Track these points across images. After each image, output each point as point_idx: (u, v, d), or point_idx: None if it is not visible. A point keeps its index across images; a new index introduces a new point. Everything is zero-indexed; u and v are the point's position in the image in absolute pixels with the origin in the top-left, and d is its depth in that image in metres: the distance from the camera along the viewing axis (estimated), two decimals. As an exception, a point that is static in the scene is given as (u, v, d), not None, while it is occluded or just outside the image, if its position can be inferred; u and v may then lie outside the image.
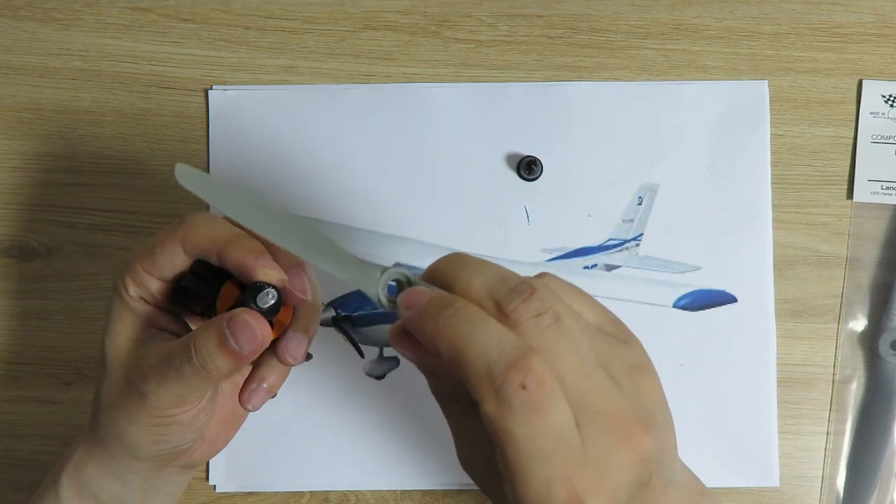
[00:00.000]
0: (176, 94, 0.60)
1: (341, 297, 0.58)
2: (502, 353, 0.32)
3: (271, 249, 0.41)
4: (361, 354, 0.58)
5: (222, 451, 0.58)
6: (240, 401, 0.45)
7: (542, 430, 0.32)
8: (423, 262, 0.58)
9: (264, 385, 0.44)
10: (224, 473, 0.58)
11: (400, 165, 0.59)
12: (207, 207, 0.58)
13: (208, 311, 0.43)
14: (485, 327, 0.33)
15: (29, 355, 0.59)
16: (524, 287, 0.34)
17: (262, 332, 0.39)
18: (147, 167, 0.59)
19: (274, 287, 0.40)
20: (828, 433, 0.58)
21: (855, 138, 0.59)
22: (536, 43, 0.60)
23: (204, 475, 0.58)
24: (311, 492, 0.58)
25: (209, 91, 0.59)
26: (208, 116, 0.59)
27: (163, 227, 0.43)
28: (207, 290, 0.42)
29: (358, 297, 0.58)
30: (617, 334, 0.37)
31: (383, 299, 0.37)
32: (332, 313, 0.58)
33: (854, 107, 0.60)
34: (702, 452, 0.58)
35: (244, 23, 0.60)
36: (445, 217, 0.59)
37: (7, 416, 0.59)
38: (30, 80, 0.60)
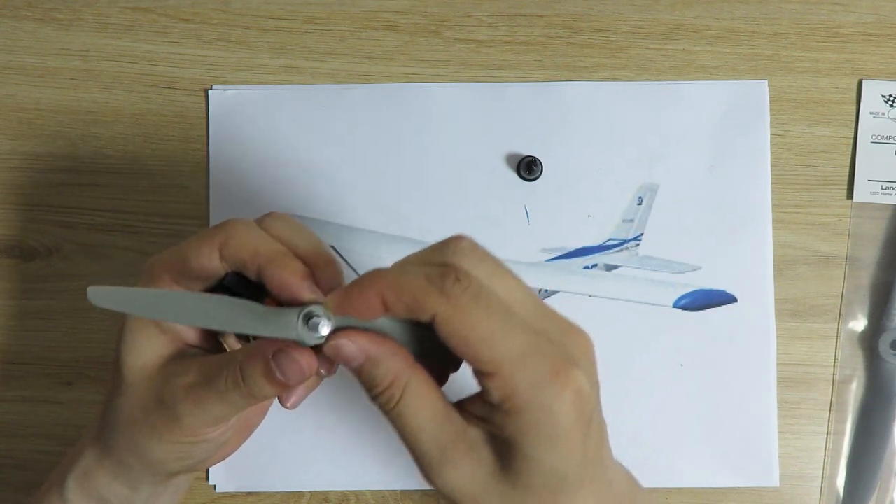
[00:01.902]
0: (176, 94, 0.60)
1: (341, 297, 0.58)
2: (432, 269, 0.36)
3: (311, 268, 0.40)
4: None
5: (222, 451, 0.58)
6: (280, 401, 0.43)
7: (492, 308, 0.35)
8: (423, 262, 0.58)
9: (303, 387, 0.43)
10: (224, 473, 0.58)
11: (400, 165, 0.59)
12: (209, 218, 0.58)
13: None
14: (411, 267, 0.36)
15: (29, 355, 0.59)
16: (449, 272, 0.36)
17: (308, 365, 0.38)
18: (147, 167, 0.59)
19: (325, 315, 0.38)
20: (828, 433, 0.58)
21: (855, 138, 0.59)
22: (536, 43, 0.60)
23: (204, 475, 0.58)
24: (311, 492, 0.58)
25: (209, 91, 0.59)
26: (208, 116, 0.59)
27: (194, 234, 0.41)
28: None
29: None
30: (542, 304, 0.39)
31: (305, 337, 0.37)
32: (332, 313, 0.58)
33: (854, 107, 0.60)
34: (702, 452, 0.58)
35: (244, 23, 0.60)
36: (446, 217, 0.59)
37: (7, 416, 0.59)
38: (30, 80, 0.60)
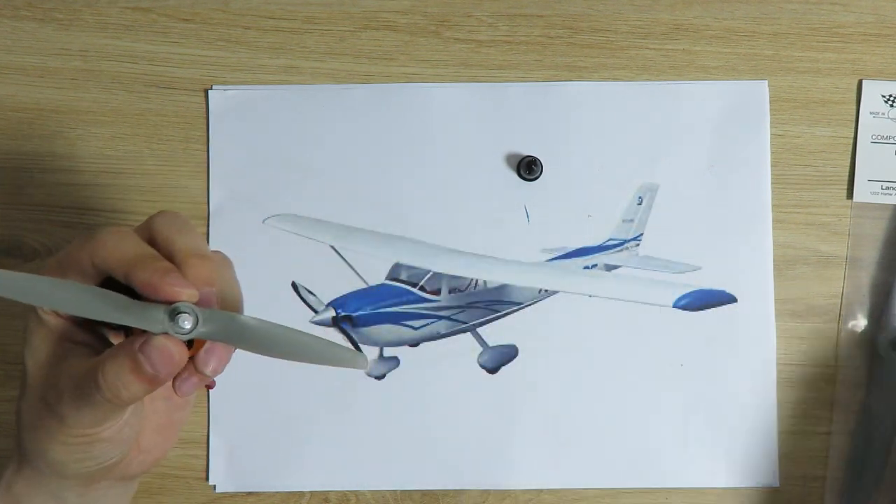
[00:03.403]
0: (176, 94, 0.60)
1: (341, 298, 0.58)
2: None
3: (181, 267, 0.39)
4: (361, 354, 0.58)
5: (222, 451, 0.58)
6: (173, 387, 0.41)
7: None
8: (424, 262, 0.58)
9: (195, 378, 0.41)
10: (224, 473, 0.58)
11: (400, 165, 0.59)
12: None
13: (125, 327, 0.42)
14: None
15: (29, 355, 0.59)
16: None
17: (178, 353, 0.38)
18: (147, 167, 0.60)
19: (193, 310, 0.38)
20: (828, 433, 0.58)
21: (855, 138, 0.59)
22: (536, 43, 0.60)
23: (204, 475, 0.58)
24: (311, 492, 0.58)
25: (209, 91, 0.60)
26: (208, 116, 0.59)
27: (74, 240, 0.41)
28: None
29: (358, 297, 0.58)
30: None
31: (173, 332, 0.37)
32: (331, 313, 0.58)
33: (854, 107, 0.60)
34: (702, 452, 0.58)
35: (244, 23, 0.60)
36: (445, 217, 0.59)
37: (7, 416, 0.59)
38: (30, 80, 0.60)
